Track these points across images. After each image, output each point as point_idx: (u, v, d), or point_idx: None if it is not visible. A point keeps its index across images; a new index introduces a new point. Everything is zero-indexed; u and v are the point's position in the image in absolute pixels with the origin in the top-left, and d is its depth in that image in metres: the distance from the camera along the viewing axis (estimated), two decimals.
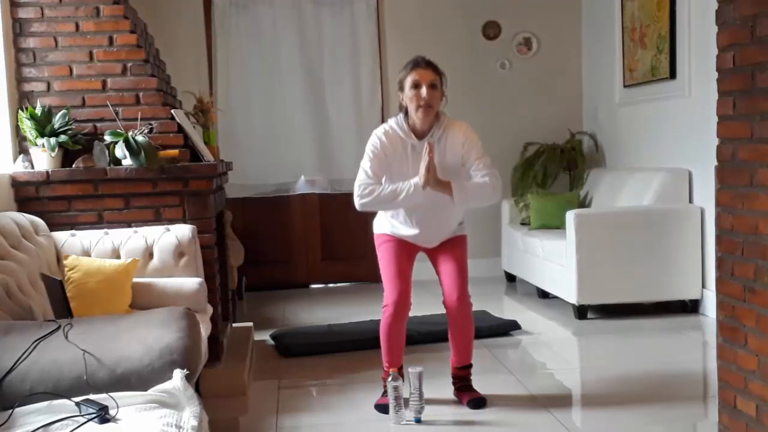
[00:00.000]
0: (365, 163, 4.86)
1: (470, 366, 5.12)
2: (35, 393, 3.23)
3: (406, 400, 4.75)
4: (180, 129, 5.54)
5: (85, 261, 4.79)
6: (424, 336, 6.31)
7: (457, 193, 4.73)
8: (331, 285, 9.41)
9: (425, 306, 6.16)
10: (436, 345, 6.02)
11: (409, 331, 5.81)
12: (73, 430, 2.96)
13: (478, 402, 4.96)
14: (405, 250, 5.01)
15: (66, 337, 3.49)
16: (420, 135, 4.84)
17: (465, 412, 4.90)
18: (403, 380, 4.80)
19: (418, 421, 4.72)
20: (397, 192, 4.76)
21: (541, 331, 6.83)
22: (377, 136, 4.88)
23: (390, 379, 4.68)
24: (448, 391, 5.12)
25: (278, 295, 8.79)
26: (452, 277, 4.98)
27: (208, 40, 8.92)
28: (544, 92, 9.36)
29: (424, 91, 4.74)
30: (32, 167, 5.36)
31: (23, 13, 5.49)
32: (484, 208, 8.68)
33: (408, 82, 4.80)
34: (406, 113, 4.87)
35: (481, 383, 5.13)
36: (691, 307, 7.14)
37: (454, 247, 5.01)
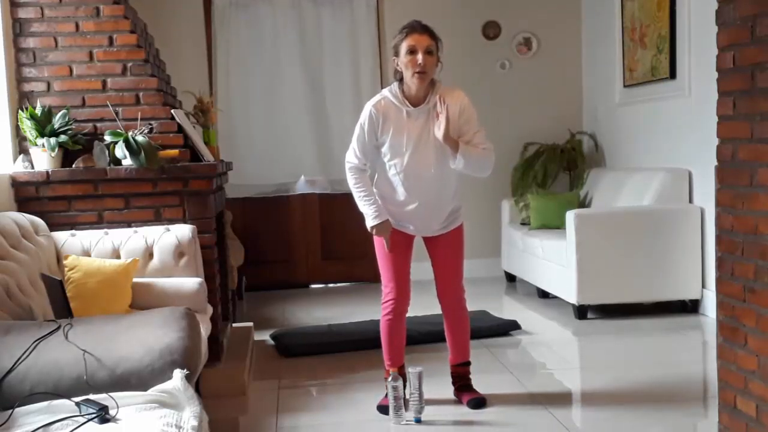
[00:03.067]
0: (354, 141, 4.86)
1: (468, 364, 5.10)
2: (35, 393, 3.23)
3: (406, 401, 4.74)
4: (180, 129, 5.53)
5: (85, 261, 4.78)
6: (423, 336, 6.29)
7: (462, 151, 4.66)
8: (331, 285, 9.39)
9: (425, 306, 6.14)
10: (436, 345, 5.99)
11: (409, 331, 5.80)
12: (73, 430, 2.96)
13: (478, 402, 4.95)
14: (401, 240, 4.94)
15: (66, 338, 3.49)
16: (415, 102, 4.74)
17: (465, 412, 4.89)
18: (404, 381, 4.79)
19: (418, 421, 4.70)
20: (360, 203, 4.87)
21: (540, 331, 6.81)
22: (368, 109, 4.78)
23: (390, 379, 4.66)
24: (448, 391, 5.11)
25: (278, 295, 8.77)
26: (447, 273, 4.99)
27: (208, 39, 8.91)
28: (544, 92, 9.33)
29: (419, 57, 4.61)
30: (32, 167, 5.35)
31: (23, 13, 5.49)
32: (484, 208, 8.74)
33: (403, 47, 4.68)
34: (401, 80, 4.77)
35: (480, 383, 5.12)
36: (691, 307, 7.12)
37: (451, 241, 4.97)
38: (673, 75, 7.43)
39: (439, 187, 4.82)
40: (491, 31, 9.22)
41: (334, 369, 5.91)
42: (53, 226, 5.20)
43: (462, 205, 4.99)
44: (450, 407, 4.99)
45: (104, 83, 5.53)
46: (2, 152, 5.42)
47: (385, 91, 4.83)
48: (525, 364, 6.02)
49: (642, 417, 4.76)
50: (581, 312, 7.08)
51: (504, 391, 5.23)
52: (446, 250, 4.97)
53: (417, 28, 4.72)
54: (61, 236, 5.13)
